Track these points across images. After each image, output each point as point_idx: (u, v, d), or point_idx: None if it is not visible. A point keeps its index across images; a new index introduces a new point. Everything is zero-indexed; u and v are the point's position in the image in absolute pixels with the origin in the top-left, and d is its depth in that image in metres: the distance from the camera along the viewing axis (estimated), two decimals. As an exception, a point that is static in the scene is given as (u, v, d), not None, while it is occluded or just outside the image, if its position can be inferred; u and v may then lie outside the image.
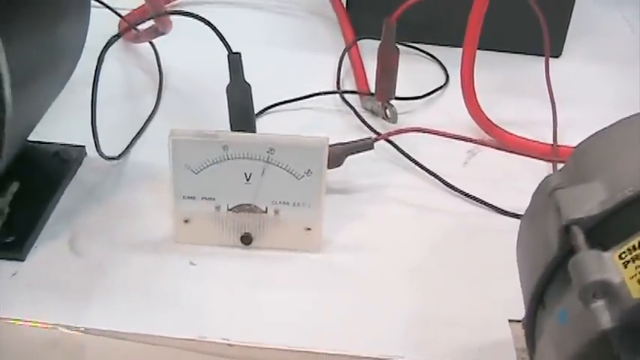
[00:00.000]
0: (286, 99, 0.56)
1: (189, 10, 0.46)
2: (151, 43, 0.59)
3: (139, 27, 0.55)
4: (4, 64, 0.35)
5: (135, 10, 0.66)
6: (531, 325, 0.32)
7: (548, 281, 0.31)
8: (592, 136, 0.34)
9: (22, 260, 0.42)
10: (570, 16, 0.66)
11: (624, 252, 0.27)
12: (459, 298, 0.42)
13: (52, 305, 0.40)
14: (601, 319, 0.27)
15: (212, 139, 0.41)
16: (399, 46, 0.55)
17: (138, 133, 0.52)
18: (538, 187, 0.34)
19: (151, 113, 0.54)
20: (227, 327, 0.39)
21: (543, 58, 0.58)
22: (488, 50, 0.59)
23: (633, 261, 0.27)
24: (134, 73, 0.59)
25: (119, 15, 0.62)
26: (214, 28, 0.44)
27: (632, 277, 0.26)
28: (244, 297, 0.41)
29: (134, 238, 0.44)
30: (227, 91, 0.44)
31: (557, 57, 0.66)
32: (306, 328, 0.40)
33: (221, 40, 0.44)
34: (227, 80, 0.45)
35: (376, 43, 0.55)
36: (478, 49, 0.54)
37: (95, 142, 0.46)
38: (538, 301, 0.31)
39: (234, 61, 0.44)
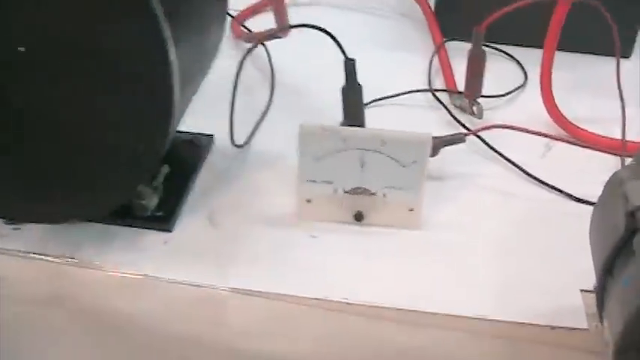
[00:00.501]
0: (384, 95, 0.64)
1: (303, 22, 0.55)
2: (262, 43, 0.68)
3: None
4: (174, 62, 0.44)
5: (244, 10, 0.75)
6: (601, 291, 0.40)
7: (616, 256, 0.39)
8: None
9: (170, 231, 0.52)
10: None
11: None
12: (538, 270, 0.50)
13: (198, 269, 0.50)
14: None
15: (334, 133, 0.50)
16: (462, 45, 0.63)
17: (257, 124, 0.61)
18: (609, 180, 0.42)
19: (267, 107, 0.63)
20: (345, 289, 0.48)
21: (614, 59, 0.65)
22: (563, 51, 0.67)
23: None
24: (247, 70, 0.69)
25: (230, 16, 0.71)
26: (334, 38, 0.52)
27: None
28: (358, 264, 0.50)
29: (263, 214, 0.53)
30: (342, 92, 0.53)
31: (627, 58, 0.74)
32: (409, 291, 0.48)
33: (339, 48, 0.52)
34: (329, 77, 0.54)
35: (461, 44, 0.63)
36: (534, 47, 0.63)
37: (230, 131, 0.55)
38: (607, 272, 0.40)
39: (350, 66, 0.53)
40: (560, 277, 0.49)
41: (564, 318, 0.46)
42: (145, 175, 0.49)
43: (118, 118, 0.44)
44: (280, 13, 0.54)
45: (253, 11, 0.75)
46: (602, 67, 0.68)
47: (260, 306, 0.48)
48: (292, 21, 0.63)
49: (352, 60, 0.53)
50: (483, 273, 0.50)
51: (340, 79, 0.54)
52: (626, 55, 0.74)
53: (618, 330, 0.36)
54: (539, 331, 0.46)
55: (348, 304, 0.47)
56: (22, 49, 0.43)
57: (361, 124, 0.54)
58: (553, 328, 0.46)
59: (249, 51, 0.55)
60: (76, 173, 0.47)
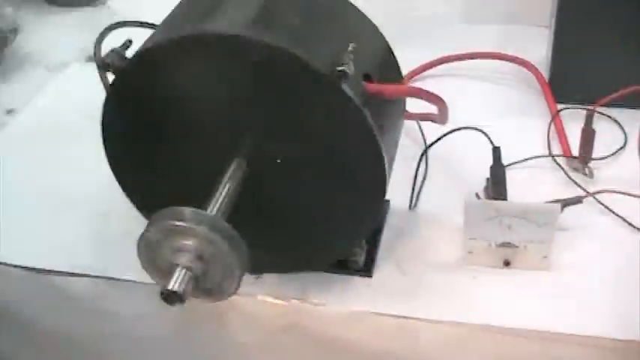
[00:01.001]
0: (511, 160, 0.82)
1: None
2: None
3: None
4: (384, 153, 0.64)
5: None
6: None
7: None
8: None
9: (371, 277, 0.73)
10: None
11: None
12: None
13: (395, 304, 0.70)
14: None
15: (489, 205, 0.70)
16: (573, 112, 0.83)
17: (419, 190, 0.81)
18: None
19: (424, 176, 0.83)
20: (502, 316, 0.68)
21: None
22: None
23: None
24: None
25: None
26: (486, 135, 0.73)
27: None
28: (508, 298, 0.70)
29: (438, 261, 0.74)
30: (491, 171, 0.74)
31: None
32: (547, 316, 0.68)
33: (489, 140, 0.73)
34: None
35: (575, 111, 0.83)
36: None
37: (412, 198, 0.76)
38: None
39: (497, 151, 0.73)
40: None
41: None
42: (360, 243, 0.70)
43: (348, 207, 0.66)
44: (443, 111, 0.73)
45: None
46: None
47: (440, 329, 0.69)
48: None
49: (498, 147, 0.73)
50: (601, 300, 0.69)
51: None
52: None
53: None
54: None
55: (506, 328, 0.68)
56: (279, 160, 0.65)
57: (505, 198, 0.74)
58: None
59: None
60: (310, 239, 0.69)
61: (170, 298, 0.56)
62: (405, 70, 0.78)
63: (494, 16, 1.09)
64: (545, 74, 0.95)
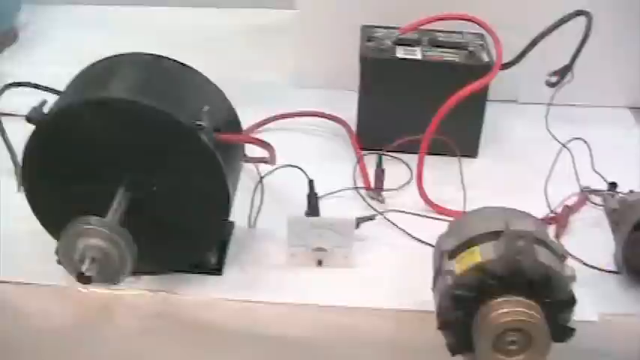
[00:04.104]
0: (327, 192, 1.19)
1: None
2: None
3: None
4: (230, 185, 0.98)
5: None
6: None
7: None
8: (465, 214, 0.99)
9: (221, 274, 1.06)
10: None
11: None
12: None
13: (239, 293, 1.03)
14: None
15: (305, 221, 1.05)
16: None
17: (257, 213, 1.15)
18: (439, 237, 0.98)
19: (260, 202, 1.17)
20: (320, 297, 1.03)
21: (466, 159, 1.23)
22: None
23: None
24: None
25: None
26: (306, 174, 1.09)
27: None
28: (321, 285, 1.05)
29: (270, 264, 1.07)
30: (307, 197, 1.09)
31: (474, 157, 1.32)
32: (347, 296, 1.03)
33: (310, 186, 1.09)
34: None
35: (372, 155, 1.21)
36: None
37: (250, 218, 1.10)
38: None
39: (311, 183, 1.09)
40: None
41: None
42: (212, 249, 1.04)
43: (202, 223, 0.99)
44: (271, 153, 1.08)
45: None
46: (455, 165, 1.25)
47: (273, 309, 1.02)
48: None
49: (312, 180, 1.09)
50: (386, 285, 1.05)
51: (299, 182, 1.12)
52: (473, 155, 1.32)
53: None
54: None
55: (320, 305, 1.02)
56: (155, 189, 0.98)
57: (317, 214, 1.10)
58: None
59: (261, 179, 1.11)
60: (175, 247, 1.01)
61: (82, 279, 0.87)
62: (245, 126, 1.13)
63: (319, 83, 1.47)
64: (354, 128, 1.33)
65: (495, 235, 0.90)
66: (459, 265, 0.91)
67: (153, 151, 0.95)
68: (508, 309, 0.87)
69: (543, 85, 1.30)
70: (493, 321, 0.87)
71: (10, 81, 1.06)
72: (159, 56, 1.02)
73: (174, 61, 1.02)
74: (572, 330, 0.92)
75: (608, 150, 1.30)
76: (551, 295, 0.89)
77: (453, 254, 0.93)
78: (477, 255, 0.90)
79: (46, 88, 1.05)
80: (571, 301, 0.91)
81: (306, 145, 1.33)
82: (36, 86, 1.06)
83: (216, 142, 0.95)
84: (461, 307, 0.90)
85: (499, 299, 0.88)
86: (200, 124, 0.93)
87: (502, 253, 0.88)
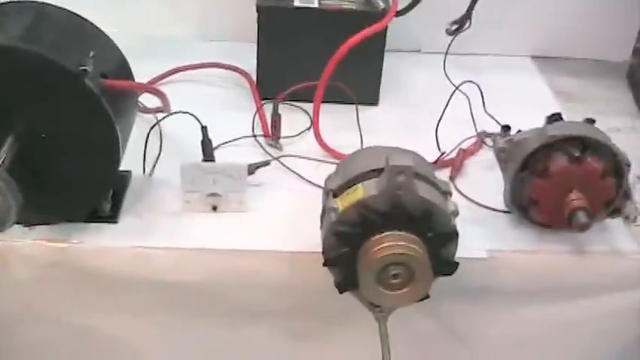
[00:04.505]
0: (225, 140, 1.21)
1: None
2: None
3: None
4: (120, 140, 0.98)
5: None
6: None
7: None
8: (351, 154, 1.02)
9: (116, 223, 1.07)
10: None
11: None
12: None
13: (134, 240, 1.05)
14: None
15: (198, 166, 1.06)
16: (283, 105, 1.22)
17: (155, 162, 1.16)
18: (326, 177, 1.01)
19: (159, 152, 1.18)
20: (212, 241, 1.05)
21: (362, 106, 1.26)
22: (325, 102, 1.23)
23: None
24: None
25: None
26: (198, 120, 1.10)
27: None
28: (215, 230, 1.06)
29: (166, 211, 1.08)
30: (201, 143, 1.11)
31: (375, 105, 1.35)
32: (244, 240, 1.05)
33: (203, 132, 1.10)
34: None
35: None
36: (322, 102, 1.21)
37: (144, 167, 1.11)
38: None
39: (204, 129, 1.11)
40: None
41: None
42: (105, 198, 1.05)
43: (93, 171, 1.00)
44: (164, 100, 1.09)
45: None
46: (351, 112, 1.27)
47: (167, 254, 1.04)
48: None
49: (205, 126, 1.11)
50: (281, 228, 1.07)
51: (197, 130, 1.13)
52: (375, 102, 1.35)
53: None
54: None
55: (215, 249, 1.04)
56: (43, 136, 0.98)
57: (212, 160, 1.11)
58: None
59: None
60: (68, 196, 1.02)
61: (-37, 227, 0.88)
62: (148, 78, 1.14)
63: (224, 35, 1.48)
64: (254, 78, 1.35)
65: (378, 172, 0.92)
66: (342, 203, 0.93)
67: (39, 99, 0.95)
68: (389, 243, 0.90)
69: (445, 35, 1.32)
70: (374, 255, 0.90)
71: None
72: (45, 3, 1.02)
73: (62, 9, 1.02)
74: (456, 264, 0.95)
75: (506, 95, 1.34)
76: (433, 230, 0.92)
77: (337, 193, 0.95)
78: (359, 192, 0.92)
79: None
80: (453, 235, 0.94)
81: (207, 96, 1.35)
82: None
83: (102, 88, 0.96)
84: (345, 243, 0.92)
85: (382, 234, 0.91)
86: (85, 69, 0.93)
87: (383, 189, 0.90)
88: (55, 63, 0.93)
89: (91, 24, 1.05)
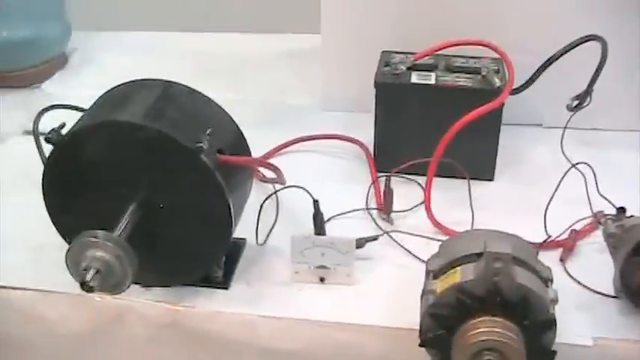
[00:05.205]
0: (337, 213, 1.25)
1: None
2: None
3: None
4: (231, 203, 1.04)
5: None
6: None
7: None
8: (451, 237, 1.03)
9: (227, 289, 1.12)
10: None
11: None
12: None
13: (243, 307, 1.09)
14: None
15: (308, 239, 1.11)
16: (395, 178, 1.25)
17: (269, 232, 1.21)
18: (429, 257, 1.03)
19: (274, 222, 1.23)
20: (324, 313, 1.08)
21: (478, 182, 1.27)
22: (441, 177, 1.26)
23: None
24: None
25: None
26: (311, 195, 1.14)
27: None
28: (325, 303, 1.10)
29: (275, 280, 1.13)
30: (313, 216, 1.15)
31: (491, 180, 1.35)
32: (349, 313, 1.08)
33: (315, 206, 1.14)
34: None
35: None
36: (436, 176, 1.23)
37: (257, 236, 1.17)
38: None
39: (316, 203, 1.15)
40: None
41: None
42: (218, 264, 1.10)
43: (207, 240, 1.06)
44: (278, 174, 1.15)
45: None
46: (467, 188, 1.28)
47: (273, 323, 1.08)
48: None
49: (317, 200, 1.15)
50: (385, 303, 1.09)
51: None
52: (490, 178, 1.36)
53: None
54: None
55: (320, 320, 1.07)
56: (161, 206, 1.05)
57: (323, 233, 1.15)
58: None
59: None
60: (183, 261, 1.08)
61: (86, 288, 0.95)
62: (271, 146, 1.23)
63: (345, 106, 1.54)
64: (372, 150, 1.39)
65: (477, 256, 0.94)
66: (441, 285, 0.95)
67: (158, 171, 1.02)
68: (484, 329, 0.91)
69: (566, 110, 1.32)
70: (469, 340, 0.91)
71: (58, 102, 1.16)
72: (170, 82, 1.09)
73: (186, 87, 1.10)
74: (553, 353, 0.95)
75: (624, 174, 1.32)
76: (530, 317, 0.92)
77: (437, 274, 0.97)
78: (457, 275, 0.94)
79: (82, 110, 1.13)
80: (550, 324, 0.94)
81: (325, 166, 1.39)
82: (76, 108, 1.14)
83: (217, 163, 1.02)
84: (441, 325, 0.94)
85: (477, 319, 0.92)
86: (201, 146, 0.99)
87: (480, 274, 0.92)
88: (174, 140, 0.99)
89: (211, 100, 1.11)
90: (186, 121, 1.05)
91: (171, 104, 1.06)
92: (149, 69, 1.17)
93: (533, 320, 0.92)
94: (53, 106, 1.15)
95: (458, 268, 0.95)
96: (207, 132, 1.02)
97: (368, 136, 1.41)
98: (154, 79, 1.10)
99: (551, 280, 0.98)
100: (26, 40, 1.66)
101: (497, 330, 0.91)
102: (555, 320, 0.94)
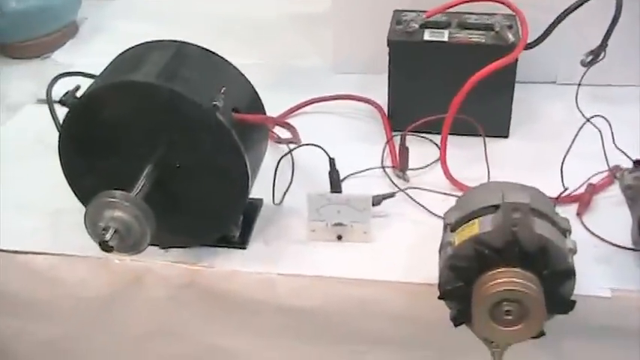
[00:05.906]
0: (353, 171, 1.25)
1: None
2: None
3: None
4: (247, 161, 1.04)
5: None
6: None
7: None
8: (469, 189, 1.03)
9: (245, 249, 1.12)
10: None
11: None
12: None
13: (261, 266, 1.10)
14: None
15: (323, 197, 1.11)
16: (410, 136, 1.25)
17: (285, 193, 1.21)
18: (446, 211, 1.02)
19: (290, 182, 1.23)
20: (338, 270, 1.08)
21: (493, 139, 1.27)
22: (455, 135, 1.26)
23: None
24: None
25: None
26: (327, 153, 1.14)
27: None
28: (338, 260, 1.10)
29: (291, 238, 1.13)
30: (329, 174, 1.15)
31: (506, 137, 1.35)
32: (367, 270, 1.08)
33: (331, 164, 1.14)
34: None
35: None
36: (451, 134, 1.23)
37: (273, 196, 1.17)
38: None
39: (332, 161, 1.15)
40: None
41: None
42: (235, 224, 1.10)
43: (224, 198, 1.06)
44: (294, 133, 1.15)
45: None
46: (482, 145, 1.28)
47: (290, 280, 1.08)
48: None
49: (333, 158, 1.15)
50: (404, 258, 1.09)
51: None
52: (505, 135, 1.35)
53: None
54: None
55: (336, 277, 1.08)
56: (178, 165, 1.05)
57: (339, 191, 1.15)
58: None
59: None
60: (200, 221, 1.08)
61: (105, 247, 0.95)
62: (285, 108, 1.22)
63: (358, 67, 1.53)
64: (386, 110, 1.38)
65: (495, 208, 0.94)
66: (459, 237, 0.95)
67: (175, 132, 1.02)
68: (503, 279, 0.91)
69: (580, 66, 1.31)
70: (488, 291, 0.91)
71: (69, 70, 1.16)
72: (183, 42, 1.09)
73: (199, 47, 1.09)
74: (572, 303, 0.95)
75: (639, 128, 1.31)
76: (549, 267, 0.92)
77: (455, 227, 0.97)
78: (475, 227, 0.94)
79: (94, 76, 1.13)
80: (569, 273, 0.94)
81: (339, 127, 1.39)
82: (89, 75, 1.14)
83: (233, 121, 1.02)
84: (459, 278, 0.94)
85: (496, 270, 0.92)
86: (216, 104, 0.99)
87: (498, 225, 0.92)
88: (189, 99, 0.99)
89: (225, 61, 1.11)
90: (201, 80, 1.05)
91: (185, 64, 1.06)
92: (160, 36, 1.16)
93: (552, 270, 0.92)
94: (66, 74, 1.15)
95: (476, 220, 0.95)
96: (222, 91, 1.02)
97: (381, 98, 1.41)
98: (168, 40, 1.09)
99: (570, 231, 0.98)
100: (36, 10, 1.67)
101: (516, 280, 0.91)
102: (574, 270, 0.94)
